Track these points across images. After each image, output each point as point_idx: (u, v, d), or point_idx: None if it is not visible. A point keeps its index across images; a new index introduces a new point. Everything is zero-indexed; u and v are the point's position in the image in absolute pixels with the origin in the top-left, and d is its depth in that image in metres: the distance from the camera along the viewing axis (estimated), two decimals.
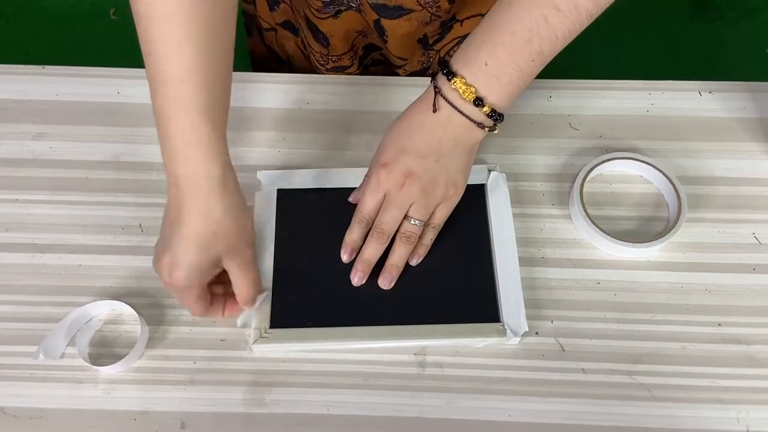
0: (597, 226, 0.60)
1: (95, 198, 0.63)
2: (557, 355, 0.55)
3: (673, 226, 0.60)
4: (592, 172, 0.63)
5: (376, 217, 0.57)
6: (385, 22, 0.71)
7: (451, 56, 0.55)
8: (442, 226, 0.59)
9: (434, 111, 0.55)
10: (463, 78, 0.54)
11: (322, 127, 0.67)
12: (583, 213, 0.60)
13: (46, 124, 0.67)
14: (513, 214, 0.61)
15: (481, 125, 0.55)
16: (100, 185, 0.63)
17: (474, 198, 0.61)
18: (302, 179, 0.63)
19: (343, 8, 0.71)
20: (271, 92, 0.70)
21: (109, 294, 0.57)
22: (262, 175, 0.63)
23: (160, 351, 0.55)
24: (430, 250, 0.59)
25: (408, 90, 0.69)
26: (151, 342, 0.56)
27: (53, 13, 1.52)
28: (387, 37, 0.72)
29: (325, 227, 0.60)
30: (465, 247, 0.59)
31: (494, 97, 0.54)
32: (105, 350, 0.55)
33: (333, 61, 0.78)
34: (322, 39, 0.75)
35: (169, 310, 0.57)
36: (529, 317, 0.55)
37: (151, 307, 0.57)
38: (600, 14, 0.52)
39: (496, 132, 0.57)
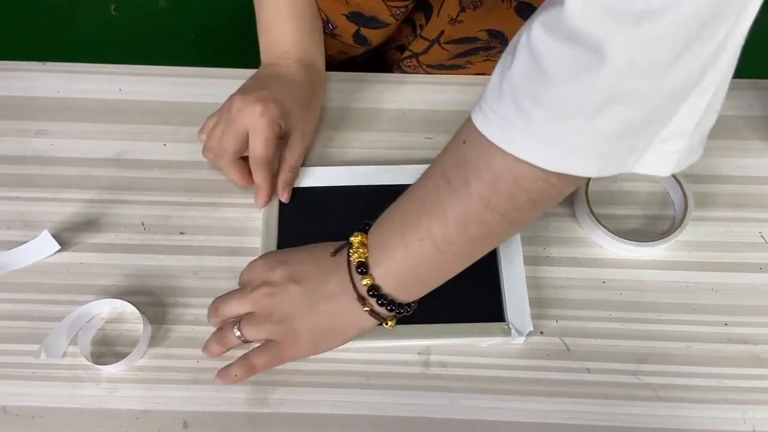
0: (602, 225, 0.59)
1: (97, 196, 0.62)
2: (562, 355, 0.55)
3: (679, 225, 0.59)
4: None
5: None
6: (365, 31, 0.69)
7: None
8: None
9: (332, 254, 0.49)
10: (364, 234, 0.47)
11: (324, 125, 0.67)
12: (589, 211, 0.60)
13: (47, 121, 0.66)
14: None
15: (361, 299, 0.47)
16: (102, 183, 0.63)
17: None
18: (305, 177, 0.62)
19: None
20: None
21: (111, 292, 0.57)
22: None
23: (163, 350, 0.55)
24: None
25: (413, 87, 0.69)
26: (154, 341, 0.55)
27: (53, 9, 1.52)
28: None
29: (328, 225, 0.59)
30: None
31: (379, 270, 0.46)
32: (107, 349, 0.55)
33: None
34: None
35: (172, 308, 0.57)
36: (533, 316, 0.55)
37: (154, 305, 0.57)
38: (518, 220, 0.44)
39: (390, 326, 0.49)
